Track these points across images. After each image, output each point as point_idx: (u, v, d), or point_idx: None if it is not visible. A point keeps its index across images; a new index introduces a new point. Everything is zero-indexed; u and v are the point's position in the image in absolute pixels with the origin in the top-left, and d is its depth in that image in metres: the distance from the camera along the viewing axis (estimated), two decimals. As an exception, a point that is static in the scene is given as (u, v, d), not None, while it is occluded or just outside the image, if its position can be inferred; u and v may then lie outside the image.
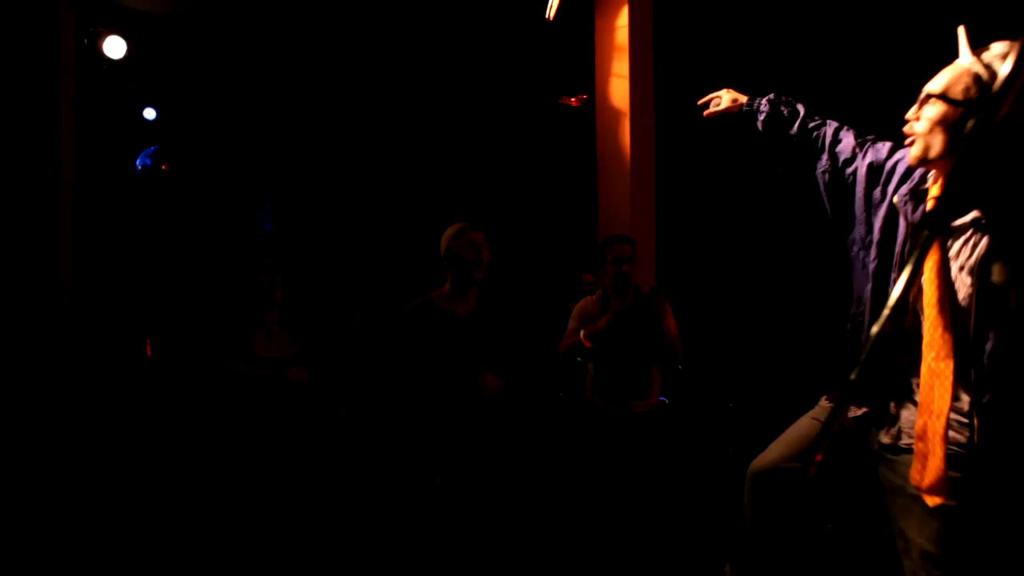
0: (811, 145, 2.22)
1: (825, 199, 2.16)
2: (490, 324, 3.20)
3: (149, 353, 3.54)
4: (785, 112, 2.29)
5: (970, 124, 1.76)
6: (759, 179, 5.35)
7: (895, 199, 1.95)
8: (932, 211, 1.83)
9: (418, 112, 6.04)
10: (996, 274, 1.71)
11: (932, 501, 1.78)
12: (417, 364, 3.09)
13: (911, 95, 1.90)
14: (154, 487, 3.47)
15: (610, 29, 4.67)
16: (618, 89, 4.61)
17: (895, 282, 1.90)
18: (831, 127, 2.21)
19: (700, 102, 2.55)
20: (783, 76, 4.96)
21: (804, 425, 2.19)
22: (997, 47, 1.76)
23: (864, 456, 2.05)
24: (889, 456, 1.96)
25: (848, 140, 2.14)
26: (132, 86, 5.65)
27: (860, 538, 3.01)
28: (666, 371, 3.62)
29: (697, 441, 4.43)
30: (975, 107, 1.74)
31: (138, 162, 5.76)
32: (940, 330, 1.78)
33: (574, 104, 5.44)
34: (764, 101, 2.35)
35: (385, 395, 3.23)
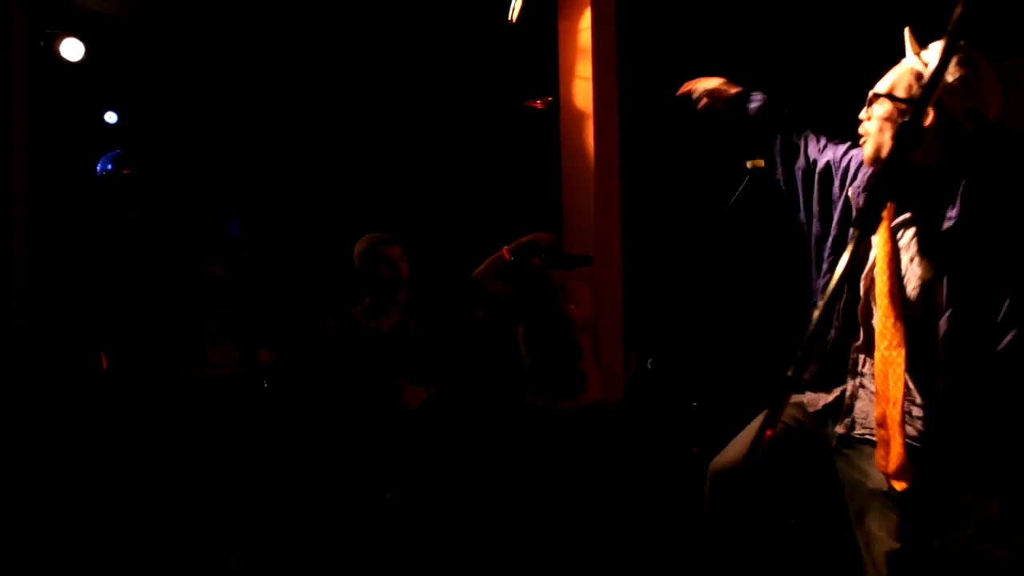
0: (791, 142, 2.22)
1: (800, 195, 2.19)
2: (416, 335, 3.13)
3: (104, 366, 3.48)
4: (771, 108, 2.27)
5: (900, 121, 1.82)
6: (724, 178, 5.40)
7: (849, 192, 2.00)
8: (861, 208, 1.87)
9: (383, 115, 6.01)
10: (924, 271, 1.76)
11: (899, 486, 1.82)
12: (344, 385, 3.02)
13: (864, 95, 1.95)
14: (123, 497, 3.41)
15: (573, 31, 4.68)
16: (582, 91, 4.62)
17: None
18: (808, 128, 2.23)
19: (680, 92, 2.49)
20: (747, 78, 5.00)
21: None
22: (936, 46, 1.81)
23: (822, 452, 2.07)
24: (845, 450, 2.00)
25: (817, 140, 2.19)
26: (92, 89, 5.56)
27: (822, 533, 3.03)
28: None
29: (661, 441, 4.45)
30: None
31: (99, 166, 5.67)
32: (892, 319, 1.83)
33: (539, 107, 5.45)
34: (757, 92, 2.33)
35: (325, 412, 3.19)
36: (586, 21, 4.59)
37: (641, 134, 5.29)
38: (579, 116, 4.56)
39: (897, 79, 1.87)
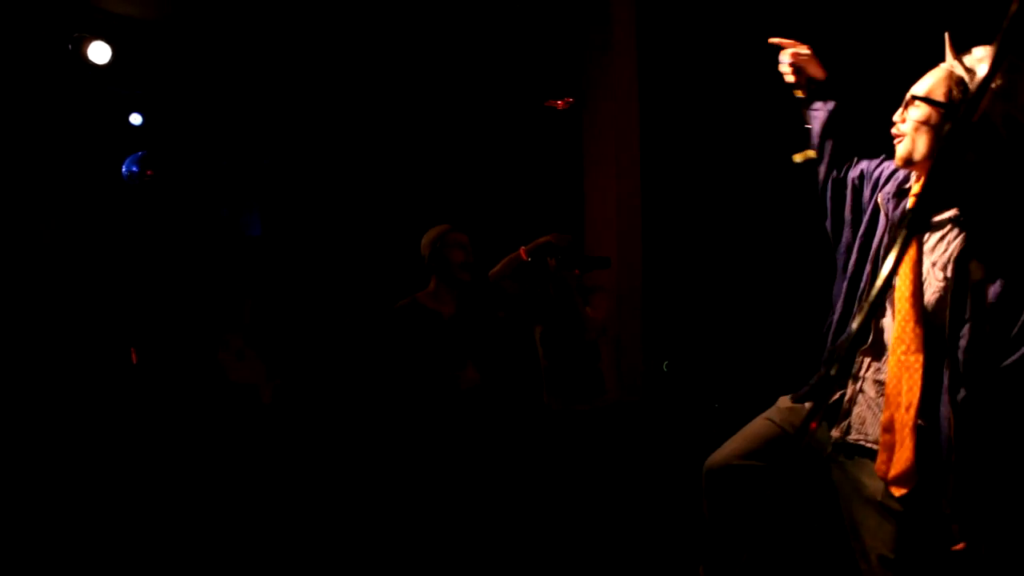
0: (844, 148, 2.17)
1: (829, 204, 2.17)
2: (475, 325, 3.20)
3: (135, 361, 3.52)
4: (841, 115, 2.20)
5: (947, 126, 1.81)
6: (749, 181, 5.39)
7: (879, 197, 1.99)
8: (912, 208, 1.86)
9: (405, 116, 6.04)
10: (974, 271, 1.74)
11: (898, 492, 1.81)
12: (405, 363, 3.08)
13: (897, 98, 1.94)
14: (160, 490, 3.44)
15: (596, 31, 4.70)
16: (605, 96, 4.64)
17: (868, 276, 1.94)
18: (855, 152, 2.20)
19: (776, 40, 2.27)
20: (771, 75, 5.00)
21: (758, 424, 2.21)
22: (978, 51, 1.81)
23: (817, 459, 2.06)
24: (842, 458, 1.99)
25: (857, 159, 2.17)
26: (118, 91, 5.62)
27: (815, 536, 3.03)
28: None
29: (681, 441, 4.45)
30: (957, 109, 1.78)
31: (124, 168, 5.73)
32: (912, 324, 1.81)
33: (560, 107, 5.46)
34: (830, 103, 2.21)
35: (375, 394, 3.23)
36: (608, 20, 4.61)
37: (663, 137, 5.29)
38: (601, 121, 4.58)
39: (936, 83, 1.86)
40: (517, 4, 4.63)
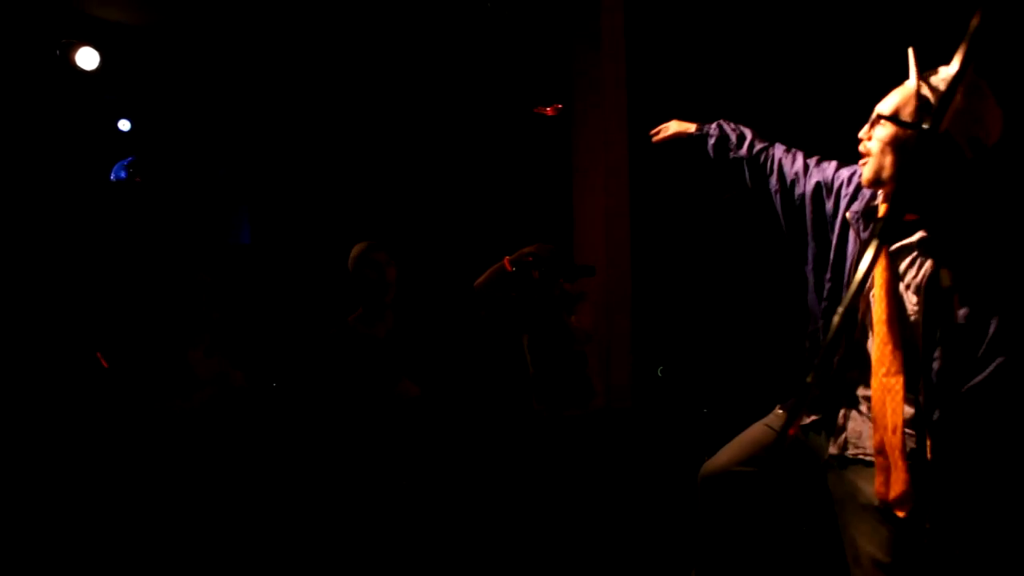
0: (760, 167, 2.27)
1: (780, 217, 2.20)
2: (411, 339, 3.16)
3: (105, 365, 3.50)
4: (733, 136, 2.33)
5: (910, 143, 1.81)
6: (738, 186, 5.42)
7: (848, 215, 1.99)
8: (881, 218, 1.87)
9: (393, 122, 6.05)
10: (944, 279, 1.75)
11: (901, 513, 1.80)
12: (341, 383, 3.05)
13: (863, 115, 1.94)
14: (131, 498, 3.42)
15: (585, 38, 4.71)
16: (594, 104, 4.65)
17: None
18: (778, 149, 2.26)
19: (651, 132, 2.58)
20: (754, 79, 5.04)
21: (755, 431, 2.22)
22: (944, 71, 1.81)
23: (812, 465, 2.07)
24: (838, 467, 1.99)
25: (795, 162, 2.19)
26: (107, 97, 5.62)
27: (812, 541, 3.04)
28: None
29: (671, 446, 4.47)
30: (922, 130, 1.78)
31: (112, 173, 5.72)
32: (890, 347, 1.82)
33: (549, 113, 5.48)
34: (713, 126, 2.39)
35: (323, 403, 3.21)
36: (597, 26, 4.62)
37: (650, 144, 5.30)
38: (590, 127, 4.60)
39: (902, 102, 1.84)
40: (506, 11, 4.65)
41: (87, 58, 4.89)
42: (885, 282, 1.84)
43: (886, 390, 1.81)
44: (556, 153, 5.18)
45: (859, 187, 2.00)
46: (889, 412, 1.80)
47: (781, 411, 2.21)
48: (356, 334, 3.10)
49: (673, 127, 2.50)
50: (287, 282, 5.74)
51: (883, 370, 1.82)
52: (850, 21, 4.66)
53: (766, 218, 2.26)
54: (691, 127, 2.45)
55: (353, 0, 4.94)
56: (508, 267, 3.23)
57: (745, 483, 2.15)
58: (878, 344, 1.85)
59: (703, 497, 2.24)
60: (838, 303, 2.00)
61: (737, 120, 2.41)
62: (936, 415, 1.78)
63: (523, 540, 3.53)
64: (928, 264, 1.80)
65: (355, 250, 3.19)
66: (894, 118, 1.82)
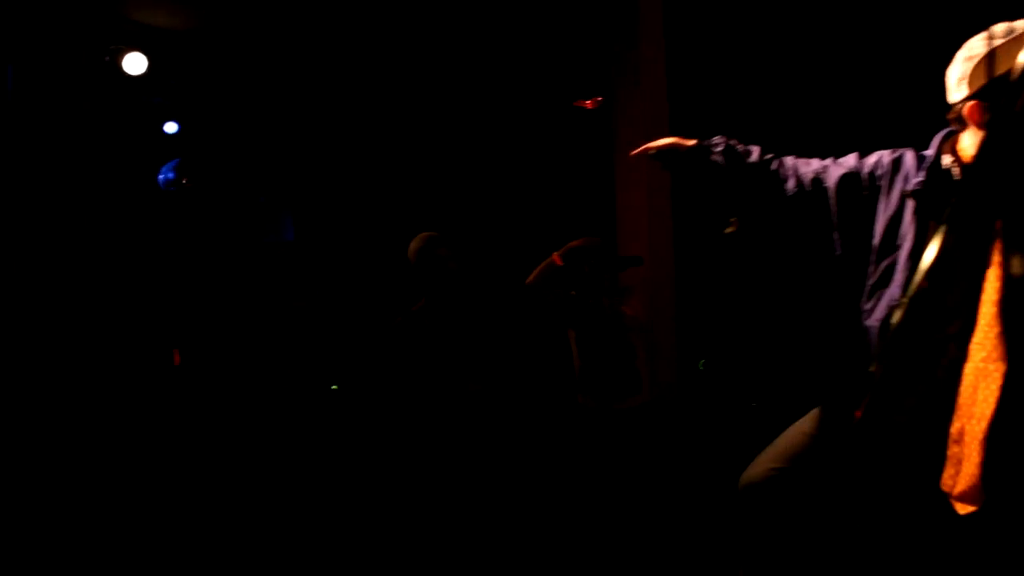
0: (773, 173, 2.16)
1: (801, 221, 2.15)
2: (479, 332, 3.17)
3: (177, 362, 3.59)
4: (740, 147, 2.22)
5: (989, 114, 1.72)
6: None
7: (906, 192, 1.90)
8: (969, 165, 1.76)
9: (437, 117, 6.07)
10: (1016, 267, 1.67)
11: (963, 509, 1.71)
12: (409, 374, 3.08)
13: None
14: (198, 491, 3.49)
15: (624, 28, 4.68)
16: (636, 97, 4.61)
17: (902, 269, 1.87)
18: (789, 157, 2.18)
19: (636, 152, 2.41)
20: (795, 75, 4.95)
21: (793, 435, 2.16)
22: (999, 28, 1.73)
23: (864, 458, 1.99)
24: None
25: (811, 163, 2.13)
26: (153, 101, 5.73)
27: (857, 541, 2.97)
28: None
29: (718, 441, 4.42)
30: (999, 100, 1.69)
31: (160, 176, 5.84)
32: (997, 330, 1.69)
33: (589, 107, 5.44)
34: (716, 138, 2.26)
35: (387, 400, 3.24)
36: (636, 21, 4.59)
37: (693, 133, 5.25)
38: (631, 119, 4.56)
39: (974, 71, 1.75)
40: (544, 5, 4.63)
41: (135, 63, 5.00)
42: (998, 263, 1.71)
43: (982, 375, 1.69)
44: (597, 147, 5.15)
45: (896, 169, 1.94)
46: (980, 400, 1.68)
47: (823, 410, 2.13)
48: (422, 325, 3.14)
49: (665, 140, 2.33)
50: (336, 280, 5.80)
51: (983, 354, 1.70)
52: (889, 21, 4.55)
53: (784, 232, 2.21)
54: (689, 141, 2.29)
55: (396, 0, 4.97)
56: (558, 262, 3.24)
57: (788, 488, 2.09)
58: (982, 327, 1.72)
59: (745, 508, 2.18)
60: (897, 286, 1.89)
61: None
62: None
63: (569, 536, 3.52)
64: None
65: (416, 242, 3.21)
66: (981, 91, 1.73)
